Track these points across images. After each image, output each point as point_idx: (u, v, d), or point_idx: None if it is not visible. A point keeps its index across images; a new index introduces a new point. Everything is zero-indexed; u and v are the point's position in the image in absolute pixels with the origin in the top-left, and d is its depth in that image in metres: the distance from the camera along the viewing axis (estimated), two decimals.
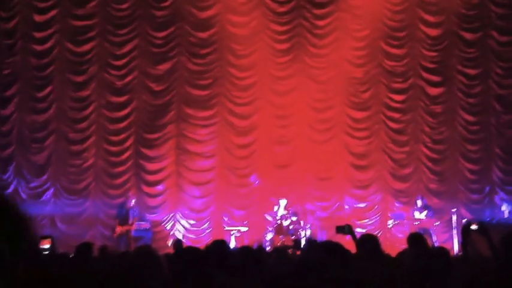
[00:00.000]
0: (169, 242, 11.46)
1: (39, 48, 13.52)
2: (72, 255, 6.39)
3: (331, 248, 3.42)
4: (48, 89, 13.45)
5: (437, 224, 12.41)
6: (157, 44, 13.75)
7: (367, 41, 14.06)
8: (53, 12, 13.60)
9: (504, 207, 12.57)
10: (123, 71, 13.61)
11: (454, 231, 12.44)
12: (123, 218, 12.20)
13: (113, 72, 13.59)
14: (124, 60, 13.63)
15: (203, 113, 13.69)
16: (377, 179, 13.78)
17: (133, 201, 12.43)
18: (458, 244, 12.29)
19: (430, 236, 12.11)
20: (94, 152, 13.35)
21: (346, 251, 3.29)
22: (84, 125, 13.41)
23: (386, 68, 14.08)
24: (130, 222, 12.13)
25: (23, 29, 13.49)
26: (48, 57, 13.52)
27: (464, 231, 5.76)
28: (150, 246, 5.39)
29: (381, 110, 14.01)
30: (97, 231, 13.00)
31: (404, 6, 14.14)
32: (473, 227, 5.68)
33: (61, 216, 13.04)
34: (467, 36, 14.16)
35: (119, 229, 12.00)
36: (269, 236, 12.30)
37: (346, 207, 13.60)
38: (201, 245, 11.82)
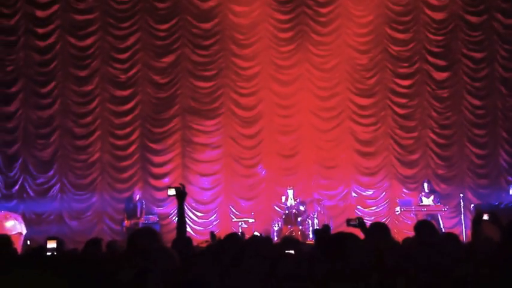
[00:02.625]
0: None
1: (41, 44, 13.46)
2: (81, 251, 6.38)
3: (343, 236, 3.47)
4: (52, 84, 13.42)
5: (445, 209, 12.34)
6: (160, 36, 13.69)
7: (371, 27, 13.96)
8: (54, 7, 13.53)
9: None
10: (126, 65, 13.57)
11: (462, 217, 12.39)
12: (130, 211, 12.21)
13: (117, 65, 13.55)
14: (127, 54, 13.58)
15: (208, 106, 13.65)
16: (384, 166, 13.72)
17: (138, 195, 12.44)
18: (466, 229, 12.24)
19: (438, 222, 12.06)
20: (99, 147, 13.35)
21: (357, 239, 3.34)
22: (89, 119, 13.40)
23: (391, 53, 13.97)
24: (138, 215, 12.16)
25: (25, 25, 13.43)
26: (51, 52, 13.46)
27: (476, 221, 5.68)
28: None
29: (387, 95, 13.92)
30: (105, 226, 13.03)
31: None
32: (485, 217, 5.61)
33: (68, 211, 13.05)
34: (472, 19, 14.01)
35: (127, 223, 12.03)
36: (277, 226, 12.29)
37: (354, 195, 13.57)
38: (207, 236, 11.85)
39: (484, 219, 5.67)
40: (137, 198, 12.39)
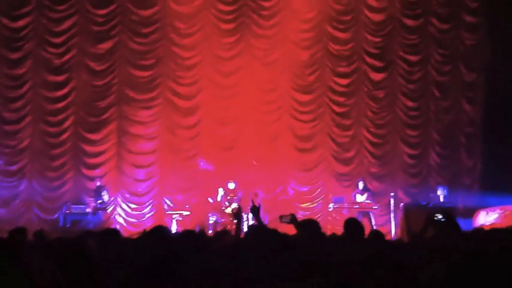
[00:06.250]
0: None
1: None
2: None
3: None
4: None
5: (375, 207, 12.68)
6: (98, 21, 13.26)
7: (313, 24, 14.07)
8: None
9: (439, 192, 12.96)
10: (61, 49, 13.07)
11: (392, 215, 12.76)
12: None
13: (51, 49, 13.02)
14: (62, 38, 13.08)
15: (146, 95, 13.35)
16: (320, 162, 13.92)
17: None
18: (396, 228, 12.63)
19: (370, 220, 12.38)
20: (30, 133, 12.82)
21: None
22: (19, 104, 12.82)
23: (331, 51, 14.15)
24: None
25: None
26: None
27: (429, 221, 5.82)
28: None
29: (325, 93, 14.10)
30: (33, 215, 12.54)
31: None
32: (439, 217, 5.76)
33: None
34: (409, 22, 14.39)
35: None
36: (212, 219, 12.22)
37: (290, 190, 13.68)
38: (141, 228, 11.65)
39: (438, 219, 5.78)
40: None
